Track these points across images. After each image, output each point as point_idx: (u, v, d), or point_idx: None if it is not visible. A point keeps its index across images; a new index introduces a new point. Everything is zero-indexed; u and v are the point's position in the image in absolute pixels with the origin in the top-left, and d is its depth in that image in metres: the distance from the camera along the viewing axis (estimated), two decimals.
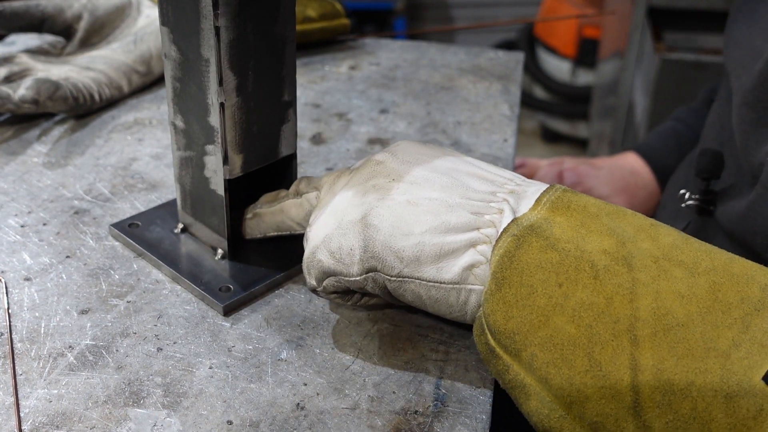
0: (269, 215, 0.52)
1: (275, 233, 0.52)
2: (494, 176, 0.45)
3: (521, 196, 0.43)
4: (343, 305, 0.49)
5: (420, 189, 0.44)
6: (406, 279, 0.42)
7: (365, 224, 0.43)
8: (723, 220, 0.58)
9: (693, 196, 0.62)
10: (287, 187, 0.55)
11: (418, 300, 0.43)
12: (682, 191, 0.64)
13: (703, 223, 0.63)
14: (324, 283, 0.45)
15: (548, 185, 0.44)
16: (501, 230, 0.41)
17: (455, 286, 0.42)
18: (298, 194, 0.51)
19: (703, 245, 0.39)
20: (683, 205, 0.63)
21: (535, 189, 0.44)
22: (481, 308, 0.41)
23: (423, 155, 0.46)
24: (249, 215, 0.53)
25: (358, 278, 0.43)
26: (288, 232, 0.52)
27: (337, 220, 0.44)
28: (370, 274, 0.43)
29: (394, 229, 0.42)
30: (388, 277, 0.43)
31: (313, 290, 0.46)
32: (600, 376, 0.36)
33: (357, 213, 0.43)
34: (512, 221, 0.41)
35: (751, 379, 0.34)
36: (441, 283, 0.42)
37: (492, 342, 0.40)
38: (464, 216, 0.42)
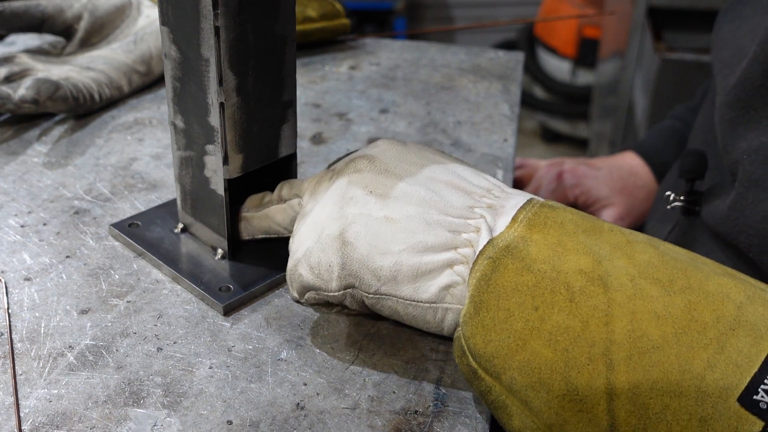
0: (256, 220, 0.52)
1: (264, 236, 0.53)
2: (472, 187, 0.45)
3: (499, 212, 0.43)
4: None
5: (397, 203, 0.43)
6: (384, 296, 0.43)
7: (343, 241, 0.43)
8: (708, 220, 0.58)
9: (678, 198, 0.63)
10: None
11: (395, 315, 0.44)
12: (667, 193, 0.64)
13: (689, 224, 0.63)
14: (305, 296, 0.45)
15: (526, 199, 0.43)
16: (478, 251, 0.41)
17: (432, 305, 0.42)
18: (282, 200, 0.50)
19: (679, 262, 0.39)
20: (669, 206, 0.63)
21: (512, 203, 0.43)
22: (459, 328, 0.41)
23: (402, 161, 0.46)
24: None
25: (336, 293, 0.44)
26: (276, 235, 0.52)
27: (317, 234, 0.44)
28: (349, 290, 0.43)
29: (372, 248, 0.42)
30: (366, 294, 0.43)
31: (296, 301, 0.46)
32: (577, 400, 0.36)
33: (335, 228, 0.43)
34: (488, 242, 0.41)
35: (726, 401, 0.34)
36: (418, 302, 0.42)
37: (474, 364, 0.40)
38: (442, 235, 0.42)
